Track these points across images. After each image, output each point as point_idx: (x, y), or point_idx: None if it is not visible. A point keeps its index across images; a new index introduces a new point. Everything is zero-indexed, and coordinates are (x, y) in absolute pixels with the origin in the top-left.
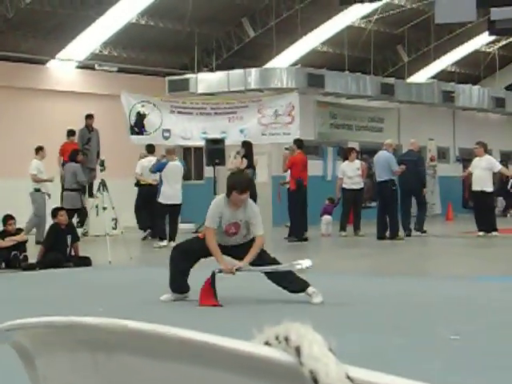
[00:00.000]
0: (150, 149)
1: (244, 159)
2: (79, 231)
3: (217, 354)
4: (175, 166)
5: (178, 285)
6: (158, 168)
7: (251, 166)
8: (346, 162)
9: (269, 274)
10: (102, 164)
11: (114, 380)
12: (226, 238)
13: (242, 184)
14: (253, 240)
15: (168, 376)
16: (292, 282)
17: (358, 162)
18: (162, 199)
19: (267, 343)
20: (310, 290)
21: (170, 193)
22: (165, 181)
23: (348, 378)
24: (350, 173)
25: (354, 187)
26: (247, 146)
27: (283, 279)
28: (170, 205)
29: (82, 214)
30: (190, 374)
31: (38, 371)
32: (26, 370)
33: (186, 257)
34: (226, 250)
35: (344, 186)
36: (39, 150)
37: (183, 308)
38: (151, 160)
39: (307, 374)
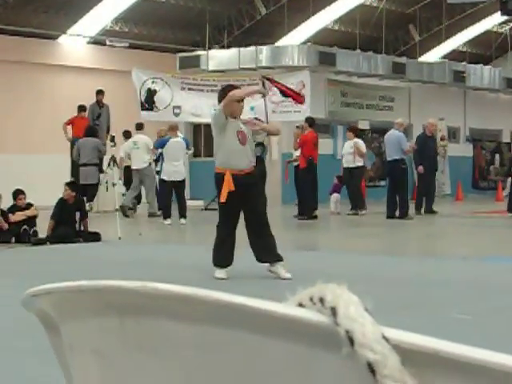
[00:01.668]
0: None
1: None
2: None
3: (251, 316)
4: (176, 142)
5: (224, 257)
6: (160, 144)
7: (261, 143)
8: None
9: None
10: (113, 140)
11: (144, 344)
12: (241, 148)
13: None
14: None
15: (201, 340)
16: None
17: (352, 141)
18: (163, 176)
19: (301, 305)
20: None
21: (170, 170)
22: (166, 158)
23: (384, 338)
24: (344, 151)
25: (345, 165)
26: None
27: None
28: (173, 182)
29: (95, 189)
30: (223, 337)
31: (63, 339)
32: (49, 338)
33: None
34: (242, 190)
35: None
36: (142, 126)
37: (198, 283)
38: (130, 144)
39: (343, 334)
